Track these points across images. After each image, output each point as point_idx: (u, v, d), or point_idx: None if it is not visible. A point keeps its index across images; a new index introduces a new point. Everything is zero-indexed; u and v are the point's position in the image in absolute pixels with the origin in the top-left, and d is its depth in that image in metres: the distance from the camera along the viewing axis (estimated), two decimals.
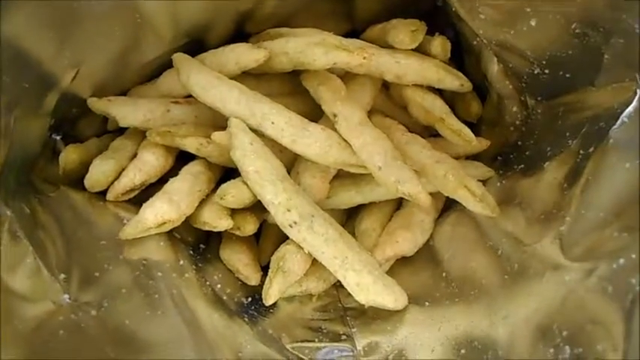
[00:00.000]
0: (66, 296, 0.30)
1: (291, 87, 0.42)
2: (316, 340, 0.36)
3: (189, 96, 0.39)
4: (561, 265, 0.30)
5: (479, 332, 0.32)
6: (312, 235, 0.35)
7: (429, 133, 0.42)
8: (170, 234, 0.37)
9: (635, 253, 0.26)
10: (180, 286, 0.34)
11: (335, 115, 0.37)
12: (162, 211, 0.35)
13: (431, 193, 0.36)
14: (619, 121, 0.29)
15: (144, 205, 0.35)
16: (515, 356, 0.30)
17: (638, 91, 0.29)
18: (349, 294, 0.36)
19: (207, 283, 0.36)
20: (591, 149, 0.31)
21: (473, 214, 0.37)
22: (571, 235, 0.30)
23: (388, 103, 0.42)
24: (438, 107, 0.39)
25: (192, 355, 0.31)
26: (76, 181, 0.38)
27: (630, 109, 0.29)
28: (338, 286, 0.39)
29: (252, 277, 0.38)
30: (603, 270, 0.27)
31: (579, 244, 0.30)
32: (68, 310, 0.29)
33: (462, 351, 0.32)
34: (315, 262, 0.37)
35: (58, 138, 0.39)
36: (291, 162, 0.39)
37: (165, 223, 0.35)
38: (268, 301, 0.35)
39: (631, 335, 0.25)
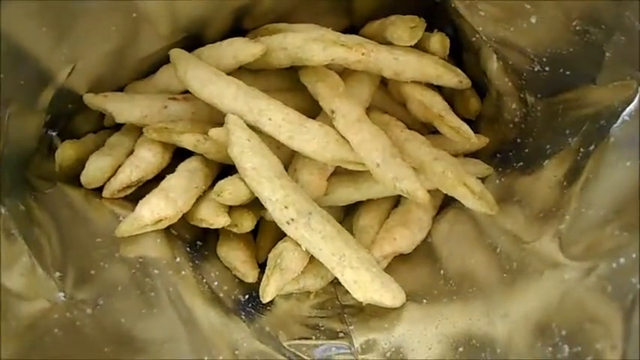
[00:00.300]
0: (61, 294, 0.30)
1: (289, 83, 0.42)
2: (314, 337, 0.36)
3: (187, 92, 0.39)
4: (560, 263, 0.30)
5: (477, 330, 0.32)
6: (310, 232, 0.34)
7: (428, 130, 0.42)
8: (167, 231, 0.37)
9: (635, 252, 0.26)
10: (176, 283, 0.34)
11: (333, 112, 0.36)
12: (159, 208, 0.34)
13: (429, 191, 0.36)
14: (620, 119, 0.29)
15: (140, 202, 0.35)
16: (513, 355, 0.30)
17: (639, 89, 0.28)
18: (347, 291, 0.36)
19: (204, 280, 0.36)
20: (591, 147, 0.30)
21: (471, 212, 0.37)
22: (570, 233, 0.30)
23: (387, 99, 0.42)
24: (437, 104, 0.39)
25: (189, 353, 0.31)
26: (72, 177, 0.38)
27: (631, 107, 0.28)
28: (335, 283, 0.39)
29: (250, 275, 0.38)
30: (603, 269, 0.27)
31: (579, 242, 0.29)
32: (63, 308, 0.29)
33: (460, 349, 0.32)
34: (312, 259, 0.36)
35: (54, 134, 0.38)
36: (289, 159, 0.39)
37: (161, 220, 0.35)
38: (265, 298, 0.35)
39: (630, 334, 0.25)
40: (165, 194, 0.35)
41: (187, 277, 0.35)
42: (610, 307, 0.26)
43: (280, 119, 0.36)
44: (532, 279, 0.31)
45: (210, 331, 0.32)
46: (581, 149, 0.32)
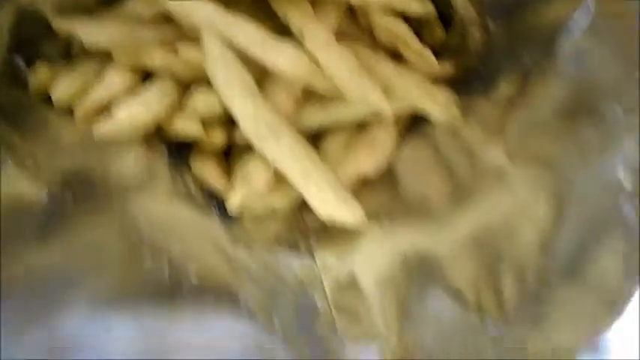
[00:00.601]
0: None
1: (261, 15, 0.42)
2: (279, 253, 0.37)
3: (158, 18, 0.39)
4: (509, 175, 0.32)
5: (431, 250, 0.34)
6: (278, 149, 0.36)
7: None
8: (143, 143, 0.37)
9: (576, 158, 0.28)
10: (153, 188, 0.35)
11: (303, 35, 0.37)
12: (135, 112, 0.35)
13: (394, 117, 0.37)
14: (569, 35, 0.31)
15: (117, 106, 0.36)
16: (463, 271, 0.32)
17: (590, 6, 0.30)
18: (312, 212, 0.37)
19: (181, 188, 0.37)
20: (543, 63, 0.32)
21: (433, 138, 0.39)
22: (520, 146, 0.32)
23: (354, 28, 0.43)
24: (402, 31, 0.40)
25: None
26: (45, 101, 0.38)
27: (581, 22, 0.30)
28: (302, 203, 0.40)
29: (221, 189, 0.39)
30: (547, 177, 0.29)
31: (526, 153, 0.31)
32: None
33: (411, 266, 0.34)
34: (280, 178, 0.38)
35: (20, 60, 0.38)
36: (261, 77, 0.39)
37: (137, 124, 0.35)
38: (233, 209, 0.36)
39: (562, 235, 0.27)
40: (140, 99, 0.36)
41: (164, 186, 0.36)
42: (550, 213, 0.28)
43: (253, 36, 0.36)
44: (485, 196, 0.33)
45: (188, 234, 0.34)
46: (533, 65, 0.33)
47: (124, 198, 0.34)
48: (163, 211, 0.34)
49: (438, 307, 0.33)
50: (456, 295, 0.32)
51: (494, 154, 0.33)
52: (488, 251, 0.31)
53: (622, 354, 0.27)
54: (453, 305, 0.32)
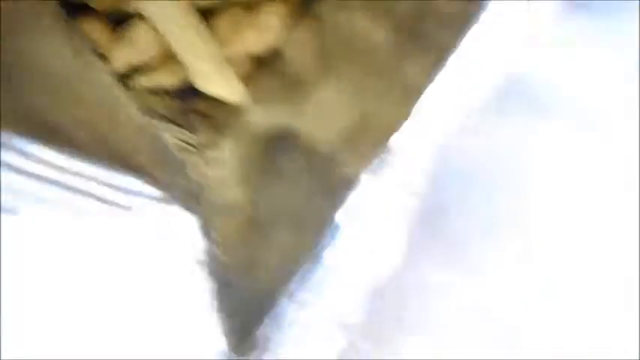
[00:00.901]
0: None
1: None
2: (162, 125, 0.39)
3: None
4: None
5: (298, 125, 0.37)
6: (163, 13, 0.36)
7: None
8: None
9: None
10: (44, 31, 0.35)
11: None
12: None
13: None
14: None
15: None
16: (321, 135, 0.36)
17: None
18: (199, 93, 0.39)
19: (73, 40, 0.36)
20: None
21: (320, 18, 0.40)
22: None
23: None
24: None
25: None
26: None
27: None
28: (190, 85, 0.41)
29: (108, 49, 0.38)
30: None
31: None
32: None
33: (274, 141, 0.38)
34: (168, 55, 0.38)
35: None
36: None
37: None
38: (116, 66, 0.37)
39: None
40: None
41: (57, 31, 0.35)
42: None
43: None
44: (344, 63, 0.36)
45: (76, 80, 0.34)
46: None
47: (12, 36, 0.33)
48: (57, 56, 0.34)
49: (294, 172, 0.36)
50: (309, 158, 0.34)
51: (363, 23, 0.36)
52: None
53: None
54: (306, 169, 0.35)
